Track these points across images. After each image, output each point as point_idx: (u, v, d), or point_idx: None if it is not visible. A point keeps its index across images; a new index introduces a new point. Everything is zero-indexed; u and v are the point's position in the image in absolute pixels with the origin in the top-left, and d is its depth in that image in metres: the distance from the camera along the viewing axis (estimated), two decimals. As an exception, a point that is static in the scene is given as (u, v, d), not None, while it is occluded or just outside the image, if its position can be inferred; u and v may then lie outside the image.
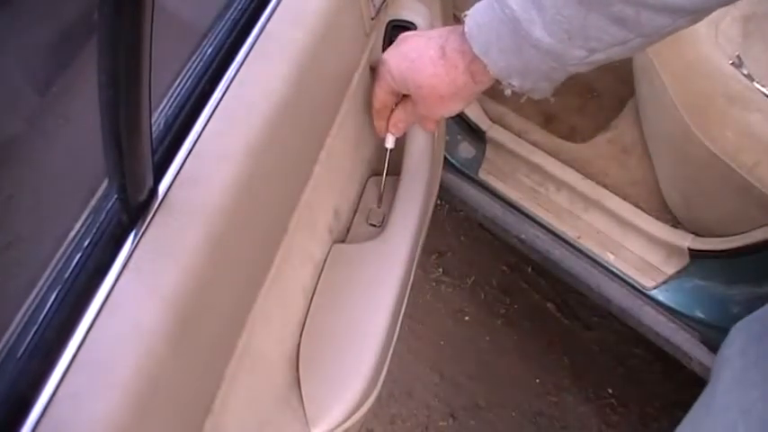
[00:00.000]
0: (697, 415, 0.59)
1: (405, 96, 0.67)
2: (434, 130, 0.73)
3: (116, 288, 0.40)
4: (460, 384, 1.39)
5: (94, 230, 0.42)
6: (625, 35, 0.48)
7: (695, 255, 1.03)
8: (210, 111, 0.50)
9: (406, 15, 0.73)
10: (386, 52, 0.64)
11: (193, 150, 0.47)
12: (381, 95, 0.66)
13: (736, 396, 0.54)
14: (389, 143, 0.71)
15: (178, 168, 0.46)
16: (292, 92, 0.54)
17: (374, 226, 0.76)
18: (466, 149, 1.24)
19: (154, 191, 0.43)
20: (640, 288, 1.09)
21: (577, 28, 0.48)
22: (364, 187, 0.79)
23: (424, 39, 0.61)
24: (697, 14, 0.47)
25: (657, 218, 1.09)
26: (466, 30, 0.56)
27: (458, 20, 1.14)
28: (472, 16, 0.55)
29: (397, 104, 0.68)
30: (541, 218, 1.17)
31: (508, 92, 0.57)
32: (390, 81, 0.63)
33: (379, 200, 0.78)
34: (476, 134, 1.22)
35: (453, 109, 0.62)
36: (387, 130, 0.71)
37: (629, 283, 1.10)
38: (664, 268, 1.08)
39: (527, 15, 0.49)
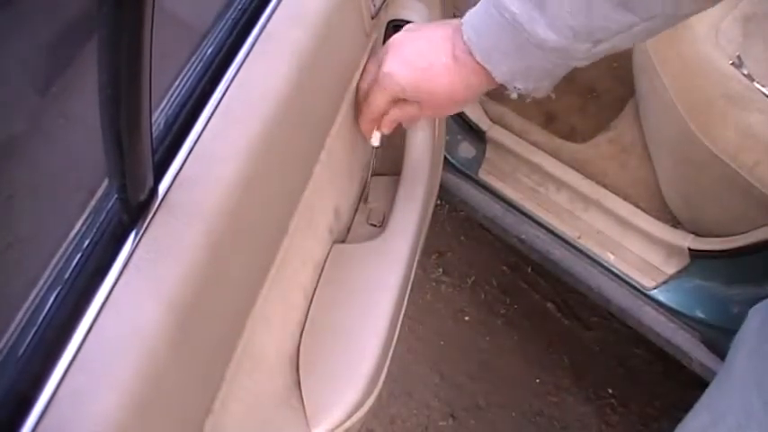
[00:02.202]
0: (713, 395, 0.60)
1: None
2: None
3: (116, 288, 0.40)
4: (460, 384, 1.39)
5: (95, 230, 0.42)
6: (630, 19, 0.47)
7: (695, 255, 1.03)
8: (211, 111, 0.50)
9: (406, 15, 0.73)
10: (386, 63, 0.60)
11: (194, 150, 0.47)
12: (381, 104, 0.63)
13: (751, 370, 0.55)
14: (376, 141, 0.69)
15: (178, 168, 0.46)
16: (292, 92, 0.54)
17: (374, 226, 0.76)
18: (466, 149, 1.24)
19: (154, 191, 0.43)
20: (640, 288, 1.09)
21: (582, 20, 0.48)
22: (364, 187, 0.79)
23: (425, 41, 0.59)
24: None
25: (657, 218, 1.09)
26: (465, 38, 0.55)
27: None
28: (469, 23, 0.55)
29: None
30: (541, 218, 1.17)
31: (514, 95, 0.57)
32: (399, 92, 0.61)
33: (365, 198, 0.78)
34: (476, 134, 1.23)
35: (461, 108, 0.63)
36: (375, 130, 0.69)
37: (629, 283, 1.10)
38: (664, 268, 1.08)
39: (528, 16, 0.49)
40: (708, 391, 0.61)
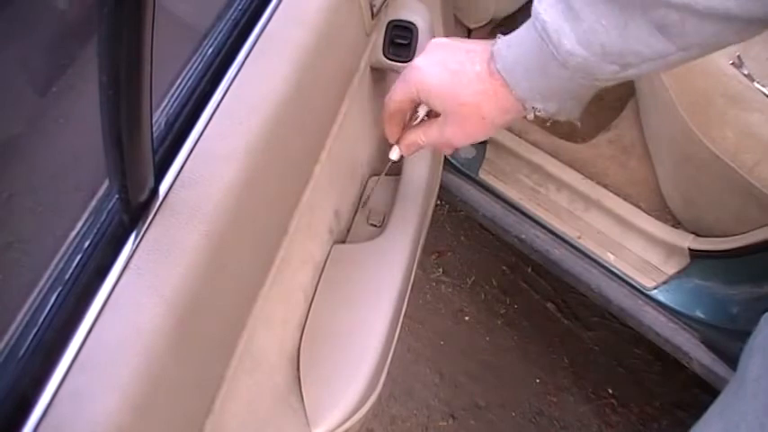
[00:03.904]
0: (725, 402, 0.59)
1: (424, 117, 0.61)
2: (450, 153, 0.65)
3: (117, 288, 0.40)
4: (460, 384, 1.39)
5: (95, 231, 0.42)
6: (665, 47, 0.45)
7: (695, 255, 1.03)
8: (211, 111, 0.50)
9: (407, 15, 0.73)
10: (418, 58, 0.57)
11: (194, 150, 0.47)
12: (399, 99, 0.59)
13: (765, 378, 0.54)
14: (394, 155, 0.64)
15: (179, 168, 0.46)
16: (293, 92, 0.54)
17: (374, 226, 0.76)
18: (466, 149, 1.24)
19: (155, 191, 0.43)
20: (640, 288, 1.09)
21: (615, 38, 0.45)
22: (364, 187, 0.79)
23: (463, 51, 0.55)
24: (745, 25, 0.43)
25: (657, 218, 1.09)
26: (494, 48, 0.52)
27: (458, 20, 1.14)
28: (504, 38, 0.53)
29: (410, 119, 0.62)
30: (541, 218, 1.17)
31: (530, 116, 0.54)
32: (423, 90, 0.56)
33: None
34: (476, 134, 1.22)
35: (488, 134, 0.57)
36: (397, 140, 0.63)
37: (629, 283, 1.10)
38: (664, 268, 1.08)
39: (558, 27, 0.47)
40: (720, 398, 0.60)
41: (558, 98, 0.51)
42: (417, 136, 0.60)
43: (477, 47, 0.55)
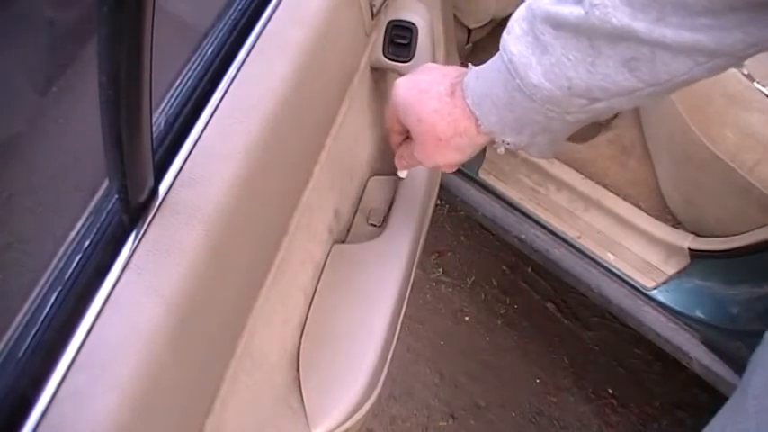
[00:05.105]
0: (728, 413, 0.59)
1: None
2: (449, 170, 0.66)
3: (117, 288, 0.40)
4: (460, 384, 1.39)
5: (95, 231, 0.42)
6: (633, 84, 0.44)
7: (695, 255, 1.03)
8: (211, 111, 0.50)
9: (406, 15, 0.73)
10: (402, 78, 0.59)
11: (194, 150, 0.47)
12: (389, 117, 0.62)
13: (765, 400, 0.54)
14: (402, 173, 0.67)
15: (179, 168, 0.46)
16: (292, 92, 0.54)
17: (374, 226, 0.76)
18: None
19: (154, 191, 0.43)
20: (640, 288, 1.09)
21: (583, 73, 0.45)
22: (364, 187, 0.79)
23: (441, 73, 0.57)
24: (715, 59, 0.43)
25: (657, 218, 1.09)
26: (465, 80, 0.53)
27: (458, 20, 1.14)
28: (474, 69, 0.53)
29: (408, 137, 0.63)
30: (541, 218, 1.17)
31: (501, 149, 0.53)
32: (397, 107, 0.58)
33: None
34: (476, 134, 1.22)
35: (450, 158, 0.57)
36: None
37: (629, 283, 1.10)
38: (664, 268, 1.08)
39: (526, 60, 0.46)
40: (722, 411, 0.60)
41: (528, 131, 0.51)
42: (404, 151, 0.62)
43: (453, 71, 0.56)
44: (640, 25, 0.41)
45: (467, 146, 0.55)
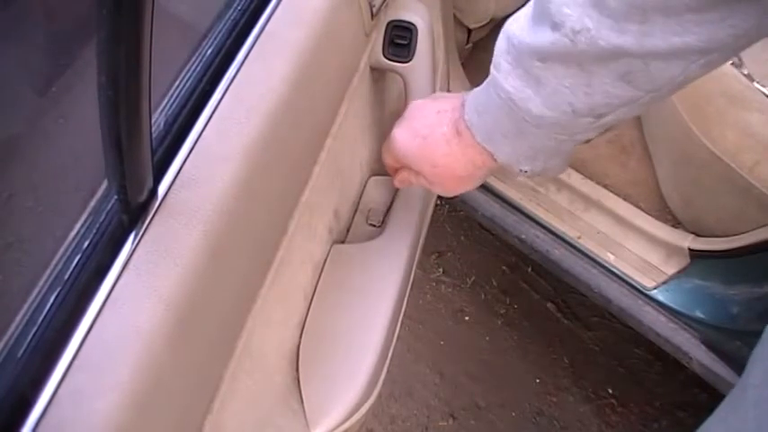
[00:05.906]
0: (727, 409, 0.59)
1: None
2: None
3: (116, 288, 0.40)
4: (460, 384, 1.39)
5: (94, 231, 0.42)
6: (634, 93, 0.44)
7: (695, 255, 1.03)
8: (210, 111, 0.50)
9: (406, 15, 0.73)
10: (396, 127, 0.60)
11: (193, 151, 0.47)
12: (389, 163, 0.64)
13: (766, 391, 0.54)
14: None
15: (178, 169, 0.46)
16: (292, 92, 0.54)
17: (374, 226, 0.76)
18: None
19: (154, 191, 0.43)
20: (640, 288, 1.09)
21: (582, 96, 0.45)
22: (364, 187, 0.79)
23: (433, 112, 0.57)
24: (708, 56, 0.42)
25: (657, 218, 1.09)
26: (466, 118, 0.53)
27: (458, 20, 1.14)
28: (470, 103, 0.53)
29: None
30: (541, 218, 1.17)
31: (520, 178, 0.55)
32: (401, 158, 0.59)
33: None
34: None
35: (471, 186, 0.58)
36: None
37: (629, 283, 1.10)
38: (664, 268, 1.08)
39: (523, 94, 0.46)
40: (723, 405, 0.60)
41: (542, 156, 0.51)
42: (409, 177, 0.63)
43: (446, 106, 0.56)
44: (628, 40, 0.40)
45: (486, 174, 0.56)
